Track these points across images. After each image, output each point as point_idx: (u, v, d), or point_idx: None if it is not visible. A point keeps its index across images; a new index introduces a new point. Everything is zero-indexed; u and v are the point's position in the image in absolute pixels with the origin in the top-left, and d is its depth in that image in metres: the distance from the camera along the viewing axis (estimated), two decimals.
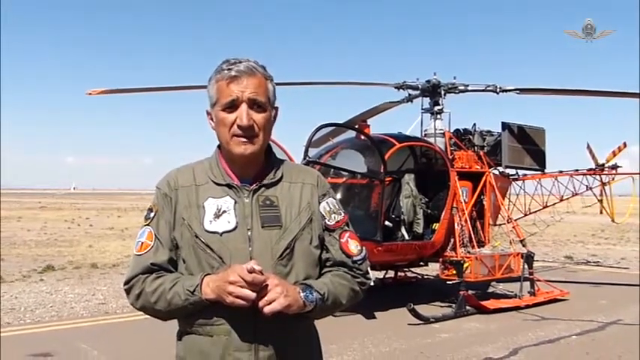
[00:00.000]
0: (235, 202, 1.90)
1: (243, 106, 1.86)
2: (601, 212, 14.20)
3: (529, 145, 11.70)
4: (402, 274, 11.96)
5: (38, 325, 8.20)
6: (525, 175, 12.69)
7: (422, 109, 11.32)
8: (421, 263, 10.62)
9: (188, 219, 1.90)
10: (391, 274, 11.81)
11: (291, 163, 2.20)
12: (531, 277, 10.13)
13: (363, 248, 2.04)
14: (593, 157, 13.72)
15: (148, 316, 1.98)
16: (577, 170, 13.66)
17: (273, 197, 1.93)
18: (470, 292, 9.41)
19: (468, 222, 9.97)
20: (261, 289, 1.72)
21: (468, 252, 9.66)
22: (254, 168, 1.96)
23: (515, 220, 11.55)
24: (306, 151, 8.40)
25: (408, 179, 9.84)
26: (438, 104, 11.10)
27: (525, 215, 13.02)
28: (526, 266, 10.09)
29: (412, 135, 10.89)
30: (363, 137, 9.43)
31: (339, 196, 7.57)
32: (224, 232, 1.86)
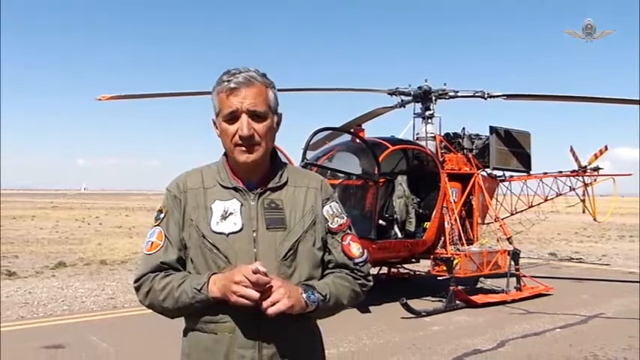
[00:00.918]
0: (241, 205, 1.88)
1: (244, 117, 1.83)
2: (583, 212, 14.21)
3: (515, 148, 11.70)
4: (395, 270, 11.97)
5: (50, 318, 8.18)
6: (512, 176, 12.69)
7: (414, 113, 11.33)
8: (413, 260, 10.65)
9: (196, 220, 1.88)
10: (385, 270, 11.82)
11: (296, 167, 2.17)
12: (517, 273, 10.15)
13: (365, 251, 2.02)
14: (576, 159, 13.73)
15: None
16: (561, 172, 13.69)
17: (278, 200, 1.91)
18: (459, 287, 9.41)
19: (458, 221, 9.98)
20: (265, 289, 1.71)
21: (458, 249, 9.66)
22: (259, 173, 1.94)
23: (502, 219, 11.56)
24: (304, 153, 8.38)
25: (401, 180, 9.84)
26: (429, 109, 11.11)
27: (512, 214, 13.02)
28: (512, 263, 10.10)
29: (405, 138, 10.90)
30: (358, 140, 9.42)
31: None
32: (230, 233, 1.85)
